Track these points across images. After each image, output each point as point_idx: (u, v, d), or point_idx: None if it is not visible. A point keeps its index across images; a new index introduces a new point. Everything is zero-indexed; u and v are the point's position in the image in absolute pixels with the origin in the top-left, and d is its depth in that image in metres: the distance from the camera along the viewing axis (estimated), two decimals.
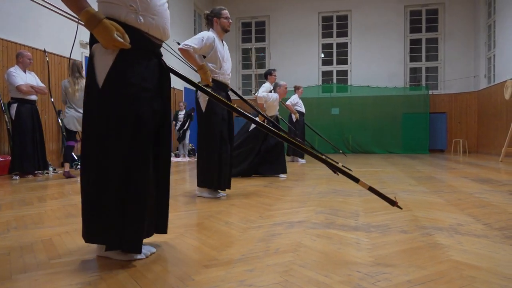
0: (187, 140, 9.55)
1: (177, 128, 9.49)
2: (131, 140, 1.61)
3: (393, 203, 1.90)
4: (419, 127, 11.28)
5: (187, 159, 9.39)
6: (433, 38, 11.93)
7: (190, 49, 3.21)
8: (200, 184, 3.42)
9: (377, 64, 11.96)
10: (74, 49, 7.02)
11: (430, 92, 11.54)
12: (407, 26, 12.04)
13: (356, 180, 1.96)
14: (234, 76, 13.15)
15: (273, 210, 2.82)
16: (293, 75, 12.13)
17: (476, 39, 11.29)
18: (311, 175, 5.31)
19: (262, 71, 11.26)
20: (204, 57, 3.37)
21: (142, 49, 1.69)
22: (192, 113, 9.44)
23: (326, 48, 12.79)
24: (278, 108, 5.87)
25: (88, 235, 1.64)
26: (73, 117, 5.23)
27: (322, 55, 12.81)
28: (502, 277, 1.46)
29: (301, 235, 2.10)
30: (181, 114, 9.52)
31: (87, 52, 7.32)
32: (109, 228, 1.59)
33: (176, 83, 10.75)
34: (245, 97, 4.05)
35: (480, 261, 1.64)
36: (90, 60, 1.66)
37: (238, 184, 4.32)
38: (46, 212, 2.78)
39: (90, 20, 1.52)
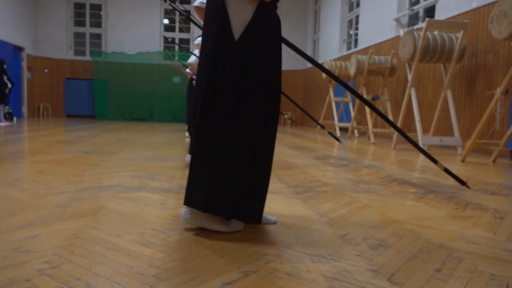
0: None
1: None
2: (269, 100, 1.52)
3: (463, 183, 1.97)
4: None
5: (4, 123, 8.12)
6: None
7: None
8: None
9: None
10: None
11: None
12: None
13: (435, 161, 1.94)
14: (65, 33, 11.78)
15: (85, 176, 2.64)
16: (134, 39, 11.52)
17: (305, 22, 12.49)
18: (143, 142, 5.18)
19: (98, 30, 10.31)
20: None
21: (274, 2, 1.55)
22: (4, 66, 8.11)
23: (170, 14, 12.42)
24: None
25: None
26: None
27: (166, 21, 12.43)
28: (280, 225, 1.65)
29: (106, 199, 2.01)
30: None
31: None
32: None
33: None
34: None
35: (268, 213, 1.82)
36: (222, 7, 1.46)
37: (58, 151, 3.92)
38: None
39: None
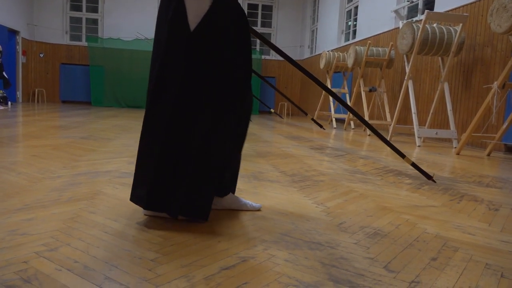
0: None
1: None
2: (224, 96, 1.44)
3: (429, 177, 2.04)
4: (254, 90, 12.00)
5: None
6: (269, 5, 12.63)
7: None
8: None
9: None
10: None
11: (263, 57, 12.33)
12: None
13: (402, 155, 1.96)
14: (61, 17, 11.62)
15: (81, 161, 2.62)
16: (130, 25, 11.39)
17: (304, 12, 12.41)
18: (139, 129, 5.15)
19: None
20: None
21: None
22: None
23: None
24: None
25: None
26: None
27: None
28: (277, 213, 1.66)
29: (103, 184, 2.00)
30: None
31: None
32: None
33: None
34: None
35: (265, 201, 1.83)
36: None
37: (54, 135, 3.90)
38: None
39: None
